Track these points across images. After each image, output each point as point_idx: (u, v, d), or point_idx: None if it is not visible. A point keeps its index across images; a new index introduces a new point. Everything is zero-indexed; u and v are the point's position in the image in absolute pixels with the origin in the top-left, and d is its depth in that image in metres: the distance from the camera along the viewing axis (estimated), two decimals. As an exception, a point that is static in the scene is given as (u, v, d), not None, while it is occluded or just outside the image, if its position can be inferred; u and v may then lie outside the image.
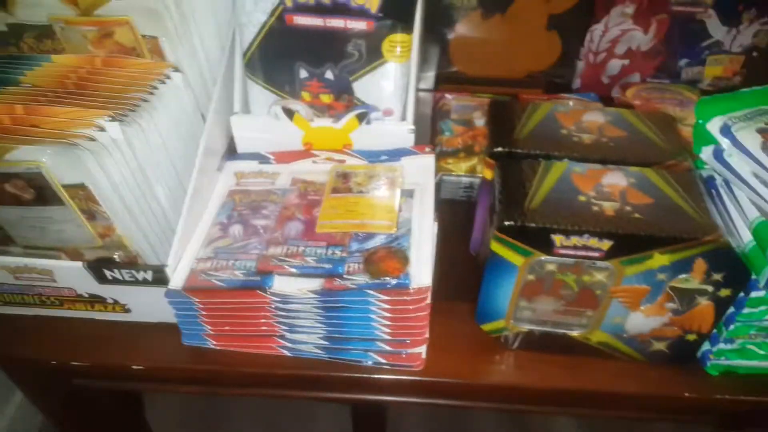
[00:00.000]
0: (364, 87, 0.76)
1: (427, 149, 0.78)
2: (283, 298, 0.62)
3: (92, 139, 0.59)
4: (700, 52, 1.05)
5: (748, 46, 1.04)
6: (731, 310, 0.61)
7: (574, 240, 0.56)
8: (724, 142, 0.63)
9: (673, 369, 0.67)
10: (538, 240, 0.57)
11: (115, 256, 0.67)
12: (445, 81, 1.10)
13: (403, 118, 0.79)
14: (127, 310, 0.70)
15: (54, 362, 0.70)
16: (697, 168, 0.67)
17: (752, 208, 0.60)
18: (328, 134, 0.77)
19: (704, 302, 0.59)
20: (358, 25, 0.70)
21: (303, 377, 0.67)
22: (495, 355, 0.69)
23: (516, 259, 0.59)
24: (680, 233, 0.55)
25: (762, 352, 0.64)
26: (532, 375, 0.67)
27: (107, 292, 0.68)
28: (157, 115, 0.67)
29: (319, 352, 0.66)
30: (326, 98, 0.78)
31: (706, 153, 0.65)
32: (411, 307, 0.61)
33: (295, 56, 0.74)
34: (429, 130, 0.96)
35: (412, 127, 0.77)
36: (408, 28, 0.72)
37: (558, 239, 0.56)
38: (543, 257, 0.58)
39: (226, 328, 0.66)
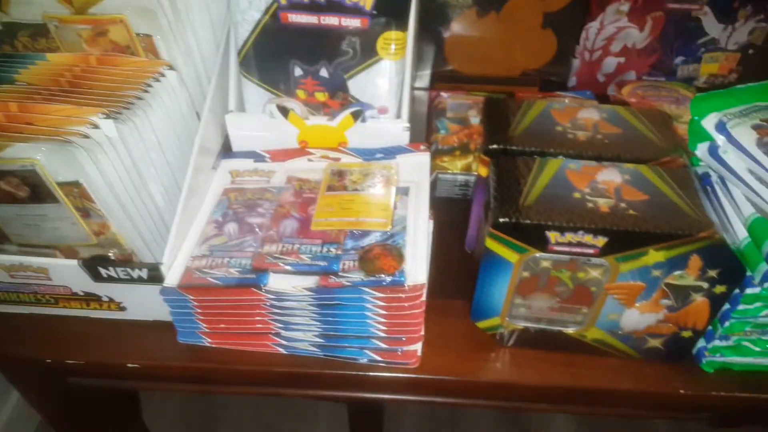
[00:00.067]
0: (358, 85, 0.76)
1: (422, 147, 0.78)
2: (279, 295, 0.62)
3: (86, 137, 0.59)
4: (696, 49, 1.05)
5: (744, 43, 1.04)
6: (726, 306, 0.61)
7: (569, 237, 0.56)
8: (720, 139, 0.63)
9: (668, 366, 0.67)
10: (532, 237, 0.57)
11: (110, 254, 0.67)
12: (441, 79, 1.10)
13: (398, 116, 0.79)
14: (123, 309, 0.70)
15: (49, 361, 0.69)
16: (693, 165, 0.67)
17: (747, 205, 0.60)
18: (323, 132, 0.77)
19: (699, 299, 0.59)
20: (353, 22, 0.70)
21: (298, 375, 0.67)
22: (490, 352, 0.69)
23: (511, 256, 0.59)
24: (675, 230, 0.55)
25: (757, 349, 0.64)
26: (528, 372, 0.67)
27: (102, 290, 0.68)
28: (151, 112, 0.67)
29: (315, 349, 0.66)
30: (321, 96, 0.77)
31: (701, 150, 0.65)
32: (406, 304, 0.61)
33: (289, 54, 0.74)
34: (425, 129, 0.96)
35: (407, 124, 0.77)
36: (402, 26, 0.72)
37: (553, 236, 0.56)
38: (538, 254, 0.58)
39: (222, 325, 0.66)
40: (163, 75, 0.70)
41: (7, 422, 1.45)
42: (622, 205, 0.58)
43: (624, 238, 0.56)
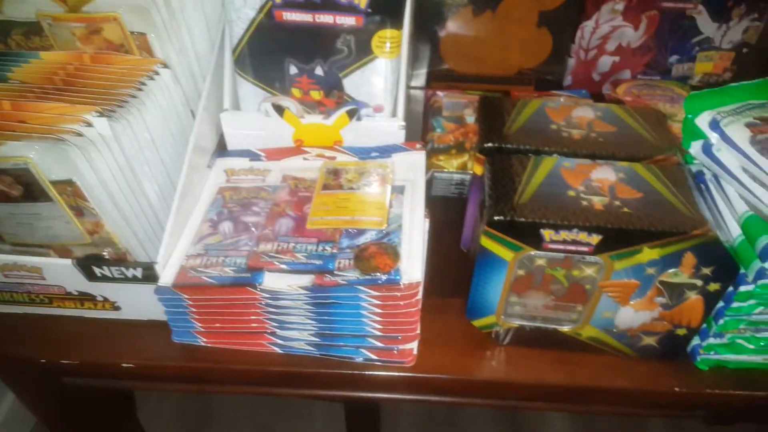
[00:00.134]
0: (354, 83, 0.76)
1: (418, 146, 0.78)
2: (274, 294, 0.62)
3: (80, 135, 0.58)
4: (690, 48, 1.05)
5: (738, 42, 1.04)
6: (720, 304, 0.61)
7: (564, 234, 0.56)
8: (713, 137, 0.63)
9: (663, 364, 0.67)
10: (527, 235, 0.57)
11: (104, 253, 0.67)
12: (437, 78, 1.10)
13: (394, 114, 0.79)
14: (117, 308, 0.70)
15: (44, 361, 0.69)
16: (687, 163, 0.67)
17: (741, 203, 0.60)
18: (318, 131, 0.77)
19: (694, 296, 0.59)
20: (348, 20, 0.70)
21: (294, 374, 0.67)
22: (486, 351, 0.69)
23: (506, 254, 0.59)
24: (669, 227, 0.55)
25: (751, 347, 0.64)
26: (523, 371, 0.67)
27: (97, 289, 0.67)
28: (145, 111, 0.67)
29: (310, 348, 0.66)
30: (316, 95, 0.77)
31: (695, 148, 0.65)
32: (402, 302, 0.60)
33: (284, 52, 0.74)
34: (420, 127, 0.96)
35: (403, 123, 0.76)
36: (397, 24, 0.72)
37: (547, 234, 0.56)
38: (533, 252, 0.58)
39: (217, 325, 0.66)
40: (157, 73, 0.69)
41: (3, 423, 1.45)
42: (617, 203, 0.58)
43: (618, 235, 0.56)
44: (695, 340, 0.66)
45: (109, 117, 0.61)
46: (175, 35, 0.73)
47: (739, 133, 0.61)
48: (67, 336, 0.70)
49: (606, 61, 1.07)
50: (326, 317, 0.63)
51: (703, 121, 0.64)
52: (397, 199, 0.71)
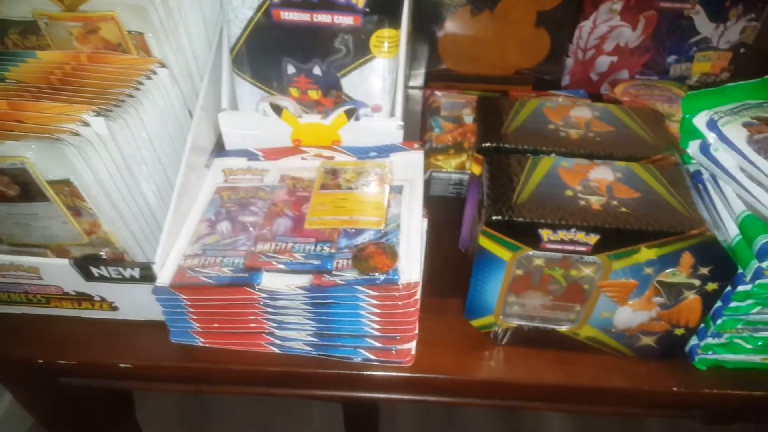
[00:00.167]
0: (352, 83, 0.76)
1: (416, 145, 0.77)
2: (272, 294, 0.62)
3: (77, 135, 0.58)
4: (688, 48, 1.05)
5: (736, 42, 1.04)
6: (718, 304, 0.61)
7: (562, 234, 0.56)
8: (711, 137, 0.63)
9: (661, 363, 0.67)
10: (525, 234, 0.57)
11: (101, 253, 0.67)
12: (435, 78, 1.10)
13: (392, 114, 0.79)
14: (115, 308, 0.69)
15: (41, 361, 0.69)
16: (684, 163, 0.67)
17: (738, 202, 0.60)
18: (316, 130, 0.77)
19: (691, 296, 0.60)
20: (345, 20, 0.70)
21: (292, 374, 0.67)
22: (484, 350, 0.69)
23: (504, 254, 0.59)
24: (667, 227, 0.55)
25: (749, 347, 0.64)
26: (522, 370, 0.67)
27: (94, 289, 0.67)
28: (143, 110, 0.66)
29: (308, 348, 0.66)
30: (314, 94, 0.77)
31: (692, 147, 0.65)
32: (400, 302, 0.60)
33: (282, 52, 0.74)
34: (419, 127, 0.96)
35: (401, 123, 0.76)
36: (395, 24, 0.72)
37: (545, 234, 0.56)
38: (531, 252, 0.58)
39: (215, 325, 0.66)
40: (154, 73, 0.69)
41: (0, 423, 1.44)
42: (614, 202, 0.58)
43: (616, 235, 0.56)
44: (693, 340, 0.66)
45: (106, 116, 0.61)
46: (172, 35, 0.73)
47: (737, 133, 0.61)
48: (64, 336, 0.70)
49: (604, 61, 1.07)
50: (324, 317, 0.63)
51: (700, 120, 0.64)
52: (395, 199, 0.71)
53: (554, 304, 0.63)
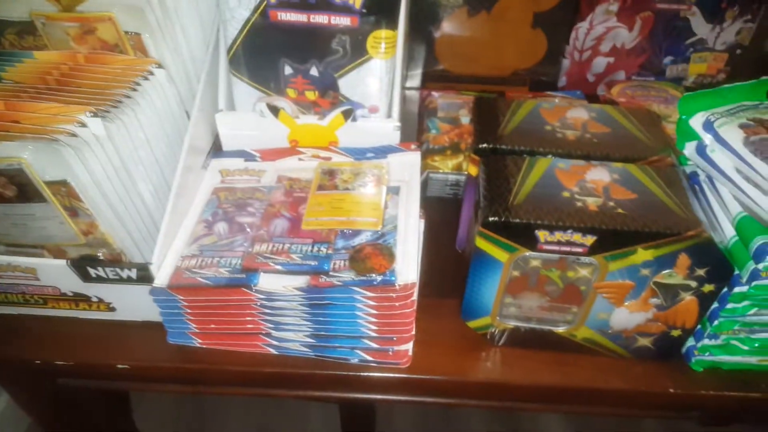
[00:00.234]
0: (349, 84, 0.76)
1: (413, 146, 0.77)
2: (269, 295, 0.62)
3: (74, 135, 0.58)
4: (685, 49, 1.06)
5: (732, 43, 1.05)
6: (715, 305, 0.61)
7: (558, 235, 0.56)
8: (707, 138, 0.63)
9: (658, 365, 0.67)
10: (522, 236, 0.57)
11: (98, 254, 0.67)
12: (432, 79, 1.10)
13: (389, 115, 0.79)
14: (112, 309, 0.69)
15: (38, 362, 0.69)
16: (681, 164, 0.67)
17: (735, 204, 0.60)
18: (313, 131, 0.77)
19: (688, 298, 0.60)
20: (342, 21, 0.70)
21: (289, 375, 0.67)
22: (481, 352, 0.69)
23: (500, 255, 0.59)
24: (663, 228, 0.55)
25: (746, 348, 0.64)
26: (518, 372, 0.67)
27: (91, 290, 0.67)
28: (140, 111, 0.66)
29: (306, 349, 0.66)
30: (311, 95, 0.77)
31: (689, 149, 0.65)
32: (397, 303, 0.60)
33: (279, 52, 0.74)
34: (416, 128, 0.96)
35: (398, 123, 0.76)
36: (392, 25, 0.72)
37: (542, 235, 0.57)
38: (527, 253, 0.58)
39: (212, 326, 0.66)
40: (151, 73, 0.69)
41: (-3, 423, 1.44)
42: (611, 204, 0.58)
43: (613, 236, 0.56)
44: (690, 342, 0.66)
45: (103, 117, 0.61)
46: (169, 35, 0.73)
47: (733, 135, 0.61)
48: (61, 337, 0.70)
49: (600, 62, 1.07)
50: (321, 318, 0.63)
51: (696, 122, 0.64)
52: (392, 200, 0.71)
53: (551, 305, 0.64)
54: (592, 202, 0.58)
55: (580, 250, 0.57)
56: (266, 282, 0.62)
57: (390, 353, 0.66)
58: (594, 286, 0.60)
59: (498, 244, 0.58)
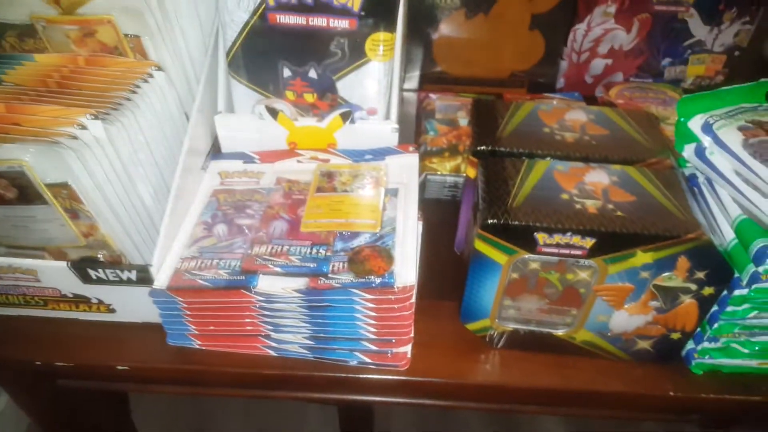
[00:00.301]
0: (347, 86, 0.76)
1: (411, 148, 0.78)
2: (268, 297, 0.62)
3: (75, 138, 0.58)
4: (683, 51, 1.06)
5: (730, 45, 1.05)
6: (715, 308, 0.61)
7: (557, 238, 0.56)
8: (706, 140, 0.63)
9: (657, 368, 0.67)
10: (521, 238, 0.57)
11: (99, 256, 0.67)
12: (430, 81, 1.10)
13: (387, 117, 0.79)
14: (112, 310, 0.69)
15: (38, 363, 0.69)
16: (680, 166, 0.67)
17: (734, 206, 0.61)
18: (312, 133, 0.77)
19: (688, 300, 0.60)
20: (341, 23, 0.70)
21: (288, 377, 0.67)
22: (480, 354, 0.69)
23: (499, 257, 0.59)
24: (663, 231, 0.55)
25: (746, 351, 0.64)
26: (517, 374, 0.67)
27: (91, 292, 0.67)
28: (140, 113, 0.66)
29: (305, 351, 0.66)
30: (310, 97, 0.77)
31: (688, 151, 0.65)
32: (395, 306, 0.61)
33: (278, 55, 0.74)
34: (413, 130, 0.96)
35: (396, 126, 0.77)
36: (391, 27, 0.72)
37: (541, 237, 0.57)
38: (526, 255, 0.59)
39: (211, 327, 0.66)
40: (151, 76, 0.69)
41: (-4, 424, 1.44)
42: (610, 206, 0.58)
43: (612, 239, 0.56)
44: (690, 344, 0.66)
45: (103, 120, 0.61)
46: (169, 38, 0.73)
47: (732, 137, 0.61)
48: (61, 338, 0.70)
49: (598, 64, 1.07)
50: (320, 320, 0.63)
51: (695, 124, 0.64)
52: (390, 202, 0.71)
53: (550, 307, 0.64)
54: (591, 205, 0.58)
55: (579, 252, 0.57)
56: (265, 284, 0.62)
57: (389, 355, 0.66)
58: (593, 288, 0.60)
59: (497, 246, 0.58)
